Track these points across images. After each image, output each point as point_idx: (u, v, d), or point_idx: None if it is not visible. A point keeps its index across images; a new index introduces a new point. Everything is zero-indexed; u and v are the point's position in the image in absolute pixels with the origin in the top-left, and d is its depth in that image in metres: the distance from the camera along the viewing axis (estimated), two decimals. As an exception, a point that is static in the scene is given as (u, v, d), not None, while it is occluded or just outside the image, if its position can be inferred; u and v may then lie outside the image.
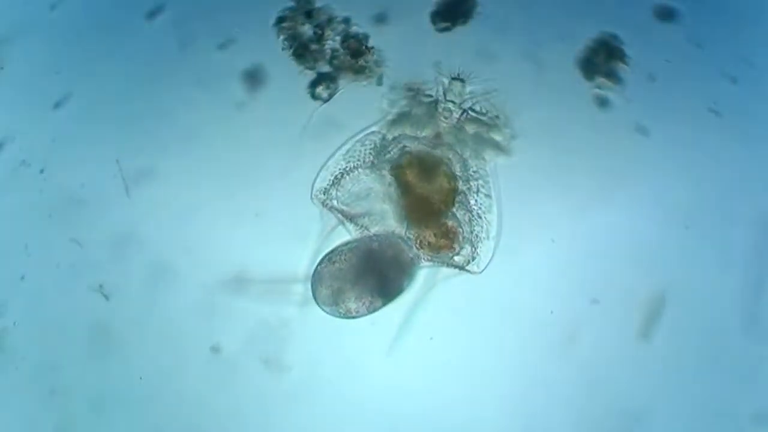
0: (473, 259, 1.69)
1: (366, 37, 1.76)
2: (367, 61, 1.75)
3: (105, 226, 1.74)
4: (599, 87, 1.75)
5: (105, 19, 1.85)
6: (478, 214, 1.69)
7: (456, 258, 1.69)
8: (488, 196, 1.70)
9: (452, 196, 1.69)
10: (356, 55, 1.75)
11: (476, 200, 1.70)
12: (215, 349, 1.71)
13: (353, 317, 1.69)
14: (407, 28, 1.78)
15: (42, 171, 1.76)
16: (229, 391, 1.70)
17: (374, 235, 1.70)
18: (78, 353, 1.72)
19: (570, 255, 1.71)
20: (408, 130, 1.71)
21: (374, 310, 1.68)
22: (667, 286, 1.70)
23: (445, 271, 1.71)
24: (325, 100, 1.75)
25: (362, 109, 1.75)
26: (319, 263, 1.69)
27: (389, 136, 1.71)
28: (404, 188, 1.70)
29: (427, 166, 1.69)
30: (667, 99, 1.75)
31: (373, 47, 1.76)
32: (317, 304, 1.68)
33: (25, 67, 1.82)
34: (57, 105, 1.79)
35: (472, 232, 1.69)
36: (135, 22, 1.83)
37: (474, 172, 1.70)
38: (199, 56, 1.80)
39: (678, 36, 1.79)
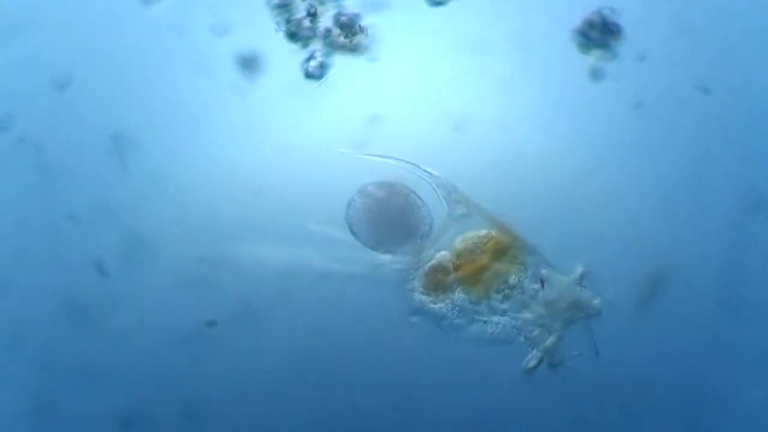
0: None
1: (358, 15, 1.79)
2: (360, 39, 1.78)
3: (101, 202, 1.76)
4: (594, 60, 1.77)
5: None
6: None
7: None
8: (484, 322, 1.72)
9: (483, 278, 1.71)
10: (350, 33, 1.78)
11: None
12: (210, 324, 1.73)
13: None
14: (400, 4, 1.80)
15: (38, 148, 1.78)
16: (222, 365, 1.73)
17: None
18: (68, 327, 1.74)
19: (559, 229, 1.74)
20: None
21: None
22: (658, 263, 1.72)
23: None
24: (319, 79, 1.78)
25: (357, 87, 1.78)
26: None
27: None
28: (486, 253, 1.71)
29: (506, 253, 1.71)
30: (657, 75, 1.78)
31: (366, 26, 1.78)
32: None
33: (25, 48, 1.84)
34: (56, 84, 1.81)
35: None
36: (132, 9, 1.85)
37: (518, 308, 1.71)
38: (194, 39, 1.82)
39: (671, 12, 1.81)
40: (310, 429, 1.72)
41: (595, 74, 1.76)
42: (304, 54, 1.78)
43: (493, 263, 1.70)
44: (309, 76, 1.77)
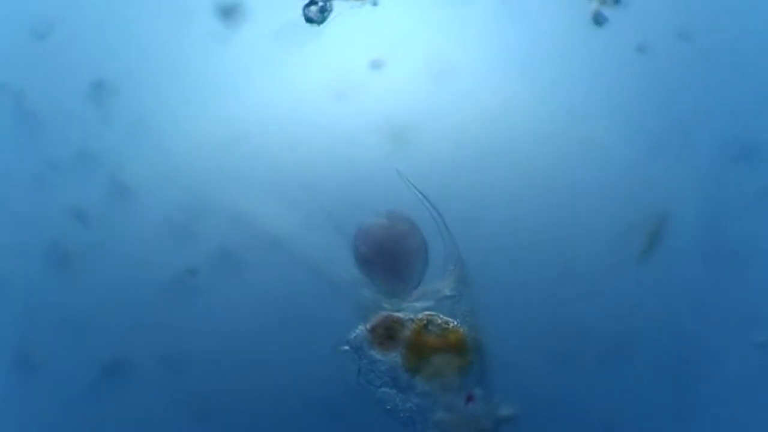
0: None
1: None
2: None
3: (82, 150, 1.75)
4: (597, 4, 1.76)
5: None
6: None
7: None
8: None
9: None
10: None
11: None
12: (191, 272, 1.73)
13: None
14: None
15: (19, 96, 1.77)
16: (203, 313, 1.73)
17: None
18: (49, 275, 1.73)
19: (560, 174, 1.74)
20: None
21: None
22: (657, 210, 1.73)
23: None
24: (320, 23, 1.76)
25: (357, 31, 1.77)
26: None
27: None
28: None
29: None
30: (639, 24, 1.77)
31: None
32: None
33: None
34: (36, 33, 1.79)
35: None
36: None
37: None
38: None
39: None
40: (288, 376, 1.71)
41: (591, 21, 1.75)
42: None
43: (445, 353, 1.69)
44: (309, 20, 1.75)
